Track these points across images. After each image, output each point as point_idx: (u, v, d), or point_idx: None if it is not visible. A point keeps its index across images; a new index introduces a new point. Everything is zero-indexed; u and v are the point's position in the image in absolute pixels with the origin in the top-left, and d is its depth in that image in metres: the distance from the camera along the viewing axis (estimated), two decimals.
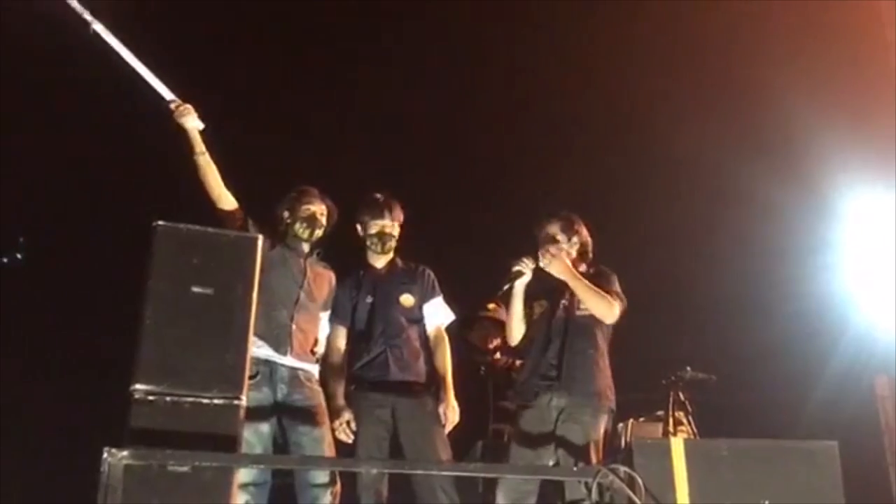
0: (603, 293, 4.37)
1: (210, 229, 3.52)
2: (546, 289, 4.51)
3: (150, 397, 3.20)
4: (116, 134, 6.57)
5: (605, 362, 4.42)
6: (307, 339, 4.35)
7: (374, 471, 4.19)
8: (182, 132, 4.22)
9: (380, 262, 4.63)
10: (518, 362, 5.09)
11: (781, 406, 6.42)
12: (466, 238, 6.93)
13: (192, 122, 4.22)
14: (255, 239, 3.60)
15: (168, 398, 3.21)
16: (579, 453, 4.19)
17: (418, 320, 4.56)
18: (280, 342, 4.22)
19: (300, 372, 4.25)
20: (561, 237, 4.53)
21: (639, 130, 6.91)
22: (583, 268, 4.56)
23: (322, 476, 4.12)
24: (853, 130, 5.98)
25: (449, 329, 4.67)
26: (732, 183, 6.43)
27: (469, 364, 5.51)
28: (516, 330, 4.50)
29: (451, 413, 4.40)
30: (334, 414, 4.32)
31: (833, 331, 6.45)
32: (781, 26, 6.44)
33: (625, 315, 4.44)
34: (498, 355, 5.83)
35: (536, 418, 4.33)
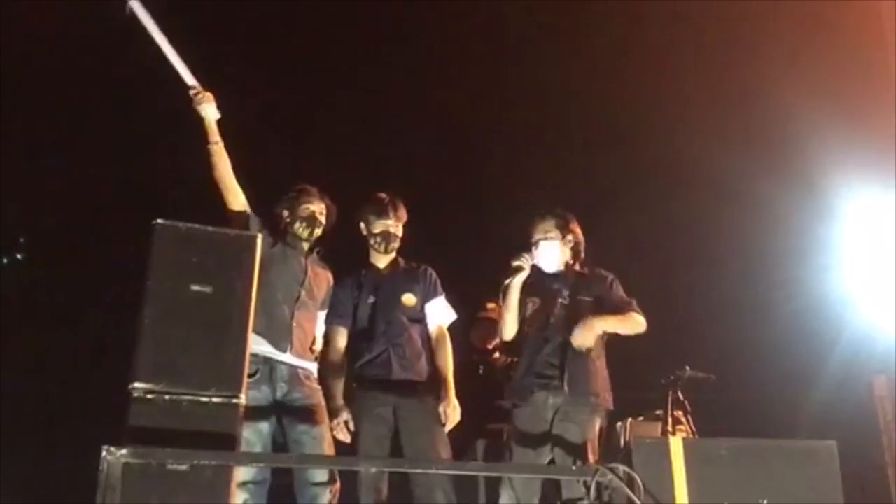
0: (627, 314, 4.42)
1: (209, 227, 3.52)
2: (539, 286, 4.52)
3: (149, 396, 3.20)
4: (117, 133, 6.58)
5: (602, 362, 4.44)
6: (307, 338, 4.35)
7: (373, 469, 4.19)
8: (199, 120, 4.25)
9: (382, 261, 4.63)
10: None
11: (780, 406, 6.43)
12: (465, 239, 6.94)
13: (210, 111, 4.26)
14: (254, 237, 3.61)
15: (167, 397, 3.21)
16: (577, 452, 4.20)
17: (420, 320, 4.56)
18: (280, 339, 4.22)
19: (300, 370, 4.26)
20: (555, 234, 4.55)
21: (638, 131, 6.91)
22: (577, 267, 4.58)
23: (321, 475, 4.13)
24: (852, 131, 5.98)
25: (452, 328, 4.68)
26: (732, 183, 6.43)
27: (468, 364, 5.52)
28: (511, 325, 4.51)
29: (452, 412, 4.41)
30: (333, 413, 4.32)
31: (832, 331, 6.46)
32: (781, 26, 6.44)
33: None
34: (497, 355, 5.83)
35: (533, 417, 4.34)
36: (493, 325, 5.70)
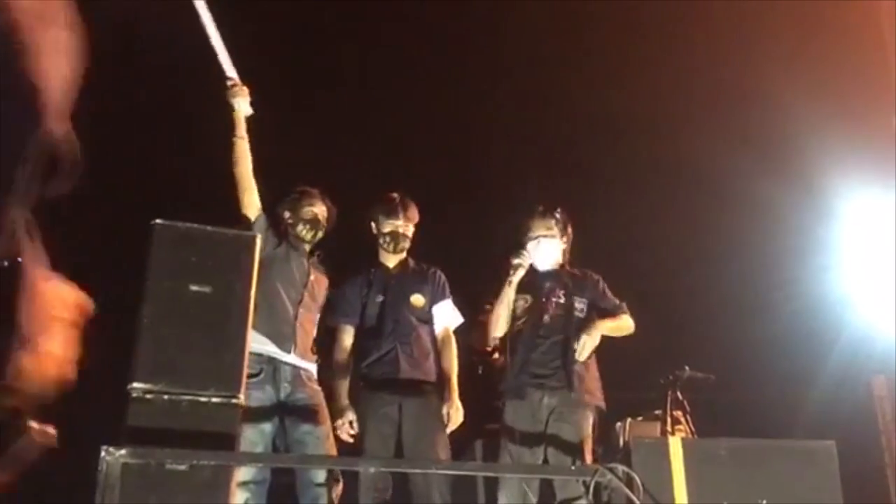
0: (620, 317, 4.48)
1: (208, 227, 3.52)
2: (531, 284, 4.54)
3: (148, 396, 3.20)
4: (118, 128, 6.57)
5: (593, 361, 4.47)
6: (308, 339, 4.36)
7: (372, 469, 4.19)
8: (230, 111, 4.27)
9: (392, 261, 4.65)
10: None
11: (779, 406, 6.43)
12: (464, 241, 6.93)
13: (243, 105, 4.29)
14: (253, 237, 3.61)
15: (166, 396, 3.21)
16: (573, 452, 4.22)
17: (428, 321, 4.58)
18: (284, 340, 4.22)
19: (302, 371, 4.26)
20: (556, 232, 4.57)
21: (637, 130, 6.91)
22: (567, 267, 4.61)
23: (324, 475, 4.13)
24: (852, 131, 5.98)
25: (457, 331, 4.71)
26: (731, 183, 6.43)
27: (468, 365, 5.52)
28: (503, 322, 4.54)
29: (455, 414, 4.42)
30: (337, 413, 4.32)
31: (831, 331, 6.45)
32: (780, 26, 6.43)
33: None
34: (497, 356, 5.83)
35: (528, 416, 4.35)
36: None
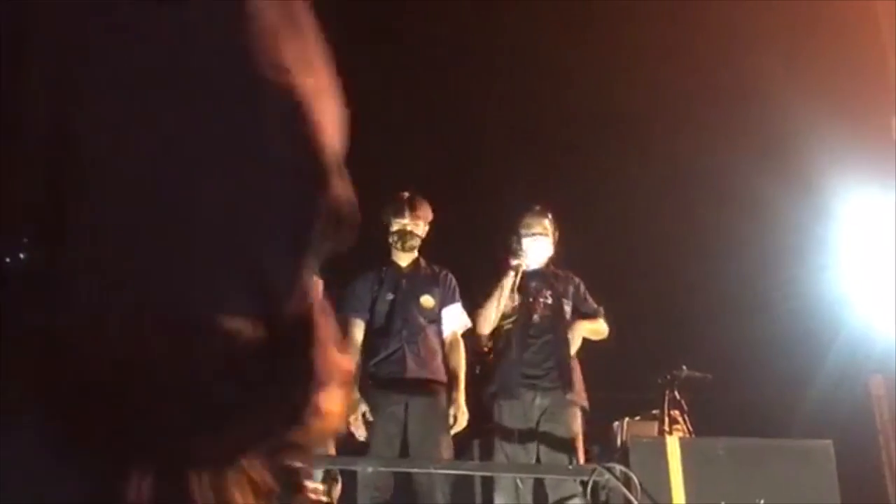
0: (598, 321, 4.57)
1: None
2: (519, 285, 4.57)
3: None
4: None
5: (576, 362, 4.54)
6: None
7: (370, 469, 4.20)
8: None
9: (404, 260, 4.66)
10: None
11: (777, 405, 6.43)
12: (462, 242, 6.93)
13: None
14: None
15: None
16: (566, 450, 4.25)
17: (437, 322, 4.59)
18: None
19: None
20: (549, 231, 4.61)
21: (636, 131, 6.91)
22: (551, 267, 4.66)
23: (321, 474, 4.13)
24: (850, 130, 5.98)
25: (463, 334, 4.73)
26: (729, 182, 6.42)
27: (467, 364, 5.52)
28: (495, 318, 4.57)
29: (460, 416, 4.44)
30: (348, 409, 4.32)
31: (829, 330, 6.45)
32: (779, 26, 6.43)
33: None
34: (492, 356, 5.83)
35: (520, 416, 4.38)
36: None
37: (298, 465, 0.81)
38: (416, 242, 4.62)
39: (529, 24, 7.05)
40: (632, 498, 3.24)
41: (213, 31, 0.76)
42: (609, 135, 7.04)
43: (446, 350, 4.58)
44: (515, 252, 4.55)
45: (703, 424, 5.53)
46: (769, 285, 6.62)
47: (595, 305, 4.65)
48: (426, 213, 4.63)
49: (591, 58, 6.75)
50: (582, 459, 4.25)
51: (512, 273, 4.51)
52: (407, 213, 4.58)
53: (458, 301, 4.66)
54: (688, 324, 6.63)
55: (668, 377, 5.71)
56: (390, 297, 4.54)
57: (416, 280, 4.61)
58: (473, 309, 5.26)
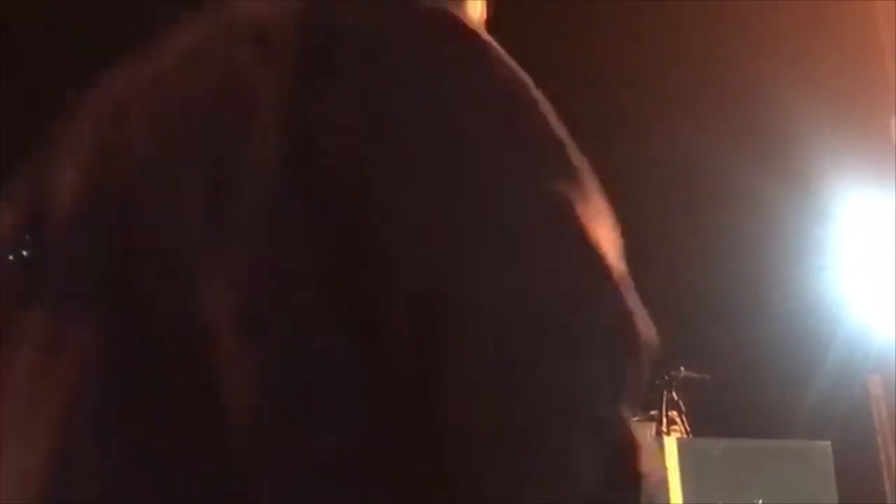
0: None
1: None
2: None
3: None
4: None
5: None
6: None
7: None
8: None
9: None
10: None
11: (775, 406, 6.42)
12: None
13: None
14: None
15: None
16: None
17: None
18: None
19: None
20: None
21: (634, 129, 6.90)
22: None
23: None
24: (849, 131, 5.98)
25: None
26: (727, 183, 6.42)
27: None
28: None
29: None
30: None
31: (827, 331, 6.45)
32: (778, 26, 6.43)
33: None
34: None
35: None
36: None
37: None
38: None
39: (529, 24, 7.04)
40: None
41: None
42: (609, 135, 7.03)
43: None
44: None
45: (701, 425, 5.53)
46: (768, 286, 6.62)
47: None
48: None
49: (591, 58, 6.75)
50: None
51: None
52: None
53: None
54: (686, 324, 6.62)
55: (666, 378, 5.70)
56: None
57: None
58: None
